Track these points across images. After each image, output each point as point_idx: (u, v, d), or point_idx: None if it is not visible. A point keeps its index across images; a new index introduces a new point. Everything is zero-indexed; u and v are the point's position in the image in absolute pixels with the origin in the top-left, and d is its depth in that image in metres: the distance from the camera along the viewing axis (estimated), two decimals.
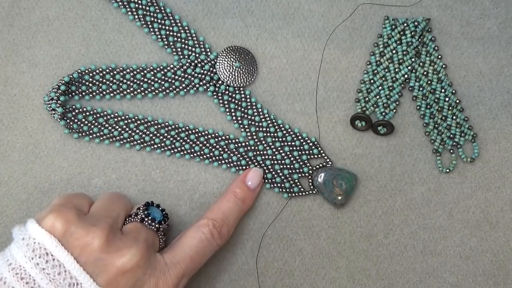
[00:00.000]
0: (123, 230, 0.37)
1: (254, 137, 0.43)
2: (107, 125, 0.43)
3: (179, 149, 0.43)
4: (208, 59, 0.43)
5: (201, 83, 0.43)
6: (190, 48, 0.43)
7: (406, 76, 0.43)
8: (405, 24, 0.43)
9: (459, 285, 0.44)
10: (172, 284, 0.36)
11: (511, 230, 0.44)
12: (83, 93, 0.43)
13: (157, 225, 0.38)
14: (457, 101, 0.44)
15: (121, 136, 0.43)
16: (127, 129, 0.43)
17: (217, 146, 0.43)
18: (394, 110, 0.44)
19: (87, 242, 0.34)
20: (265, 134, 0.43)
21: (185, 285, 0.38)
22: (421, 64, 0.44)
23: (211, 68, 0.43)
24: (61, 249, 0.33)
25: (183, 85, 0.43)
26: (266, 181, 0.43)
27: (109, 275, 0.34)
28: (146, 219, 0.38)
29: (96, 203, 0.38)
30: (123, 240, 0.35)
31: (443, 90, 0.44)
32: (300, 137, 0.43)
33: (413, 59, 0.43)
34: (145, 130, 0.43)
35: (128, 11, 0.43)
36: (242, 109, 0.43)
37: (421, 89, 0.44)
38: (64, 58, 0.43)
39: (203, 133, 0.43)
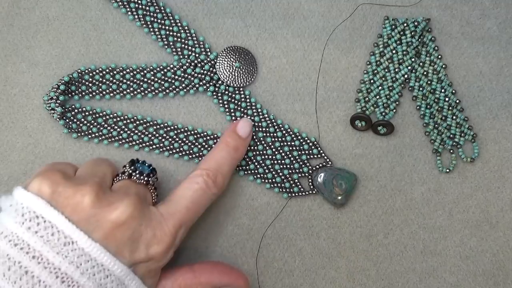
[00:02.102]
0: (113, 189, 0.36)
1: (254, 137, 0.43)
2: (106, 125, 0.43)
3: (177, 150, 0.43)
4: (208, 59, 0.43)
5: (201, 83, 0.43)
6: (190, 48, 0.43)
7: (406, 76, 0.43)
8: (405, 24, 0.43)
9: (459, 285, 0.44)
10: (169, 234, 0.36)
11: (511, 230, 0.44)
12: (83, 93, 0.43)
13: (146, 178, 0.37)
14: (457, 101, 0.44)
15: (120, 136, 0.43)
16: (126, 129, 0.43)
17: None
18: (394, 110, 0.44)
19: (77, 200, 0.33)
20: (264, 134, 0.43)
21: (184, 236, 0.37)
22: (421, 64, 0.44)
23: (211, 68, 0.43)
24: (51, 209, 0.33)
25: (183, 85, 0.43)
26: (266, 181, 0.43)
27: (104, 229, 0.33)
28: (133, 174, 0.37)
29: (80, 168, 0.38)
30: (113, 195, 0.35)
31: (443, 90, 0.44)
32: (299, 137, 0.43)
33: (413, 59, 0.43)
34: (144, 131, 0.43)
35: (128, 11, 0.43)
36: (242, 109, 0.43)
37: (421, 89, 0.44)
38: (64, 58, 0.43)
39: (201, 134, 0.43)
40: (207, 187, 0.38)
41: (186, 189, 0.38)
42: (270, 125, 0.43)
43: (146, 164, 0.39)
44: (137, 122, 0.43)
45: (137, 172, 0.38)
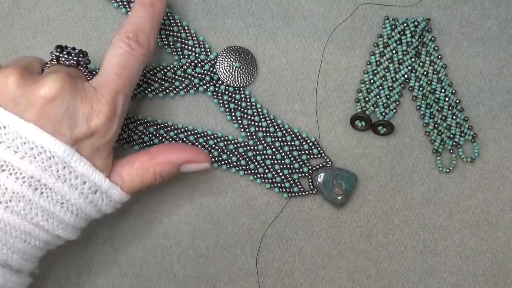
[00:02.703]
0: (42, 75, 0.34)
1: (254, 137, 0.43)
2: None
3: None
4: (208, 59, 0.43)
5: (201, 83, 0.43)
6: (190, 48, 0.43)
7: (406, 76, 0.43)
8: (405, 24, 0.43)
9: (459, 285, 0.44)
10: (107, 103, 0.34)
11: (511, 230, 0.44)
12: None
13: (75, 58, 0.36)
14: (457, 101, 0.44)
15: (120, 136, 0.43)
16: (126, 129, 0.43)
17: (216, 147, 0.43)
18: (394, 110, 0.44)
19: (0, 83, 0.32)
20: (264, 134, 0.43)
21: (126, 104, 0.36)
22: (421, 64, 0.44)
23: (211, 68, 0.43)
24: None
25: (183, 85, 0.43)
26: (266, 181, 0.43)
27: (36, 107, 0.32)
28: (61, 56, 0.36)
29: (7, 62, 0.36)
30: (41, 76, 0.33)
31: (443, 90, 0.44)
32: (299, 137, 0.43)
33: (413, 59, 0.43)
34: (144, 131, 0.43)
35: (128, 11, 0.43)
36: (242, 109, 0.43)
37: (421, 89, 0.44)
38: None
39: (201, 134, 0.43)
40: (131, 49, 0.36)
41: (111, 56, 0.36)
42: (270, 125, 0.43)
43: (76, 49, 0.37)
44: (137, 122, 0.43)
45: (65, 53, 0.36)
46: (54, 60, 0.36)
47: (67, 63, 0.36)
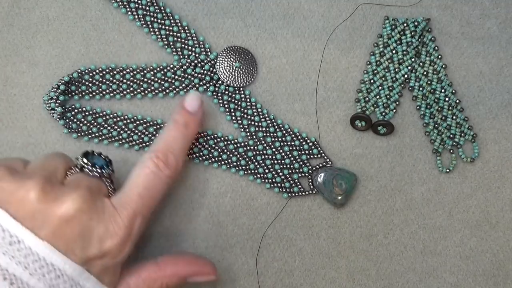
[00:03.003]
0: (64, 184, 0.34)
1: (254, 137, 0.43)
2: (106, 125, 0.43)
3: None
4: (208, 59, 0.43)
5: (201, 83, 0.43)
6: (190, 48, 0.43)
7: (406, 76, 0.43)
8: (405, 24, 0.43)
9: (459, 285, 0.44)
10: (124, 226, 0.34)
11: (511, 230, 0.44)
12: (83, 93, 0.43)
13: (98, 171, 0.35)
14: (457, 101, 0.44)
15: (120, 136, 0.43)
16: (126, 129, 0.43)
17: (216, 147, 0.43)
18: (394, 110, 0.44)
19: (21, 196, 0.31)
20: (264, 134, 0.43)
21: (144, 226, 0.36)
22: (421, 64, 0.44)
23: (211, 68, 0.43)
24: None
25: (183, 85, 0.43)
26: (266, 181, 0.43)
27: (52, 226, 0.31)
28: (86, 166, 0.35)
29: (31, 163, 0.35)
30: (62, 189, 0.33)
31: (443, 90, 0.44)
32: (299, 137, 0.43)
33: (413, 59, 0.43)
34: (144, 131, 0.43)
35: (128, 11, 0.43)
36: (242, 109, 0.43)
37: (421, 89, 0.44)
38: (64, 58, 0.43)
39: (201, 134, 0.43)
40: (158, 170, 0.36)
41: (137, 175, 0.36)
42: (270, 125, 0.43)
43: (102, 156, 0.37)
44: (137, 122, 0.43)
45: (89, 164, 0.35)
46: (78, 169, 0.35)
47: (90, 174, 0.36)
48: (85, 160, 0.36)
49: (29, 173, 0.33)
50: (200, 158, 0.43)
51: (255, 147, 0.43)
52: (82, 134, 0.42)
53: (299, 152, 0.43)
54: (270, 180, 0.43)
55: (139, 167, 0.36)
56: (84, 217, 0.32)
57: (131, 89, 0.43)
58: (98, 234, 0.33)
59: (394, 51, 0.43)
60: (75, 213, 0.32)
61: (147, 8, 0.43)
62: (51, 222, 0.31)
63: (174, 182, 0.38)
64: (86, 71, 0.43)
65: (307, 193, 0.43)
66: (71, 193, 0.32)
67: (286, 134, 0.43)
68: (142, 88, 0.43)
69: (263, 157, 0.43)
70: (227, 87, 0.43)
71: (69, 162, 0.36)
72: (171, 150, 0.37)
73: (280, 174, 0.43)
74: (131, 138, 0.43)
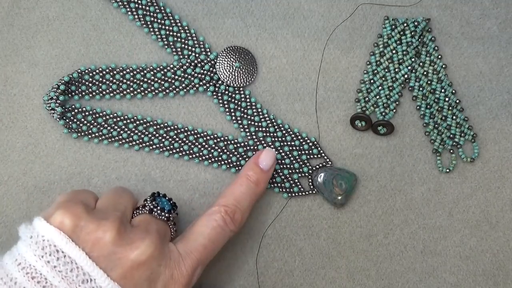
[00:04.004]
0: (133, 223, 0.36)
1: (254, 137, 0.43)
2: (106, 125, 0.43)
3: (177, 150, 0.43)
4: (208, 59, 0.43)
5: (201, 83, 0.43)
6: (190, 48, 0.43)
7: (406, 76, 0.43)
8: (405, 24, 0.43)
9: (459, 285, 0.44)
10: (187, 274, 0.35)
11: (511, 230, 0.44)
12: (83, 93, 0.43)
13: (166, 215, 0.37)
14: (457, 101, 0.44)
15: (120, 136, 0.43)
16: (126, 129, 0.43)
17: (216, 147, 0.43)
18: (394, 110, 0.44)
19: (98, 236, 0.33)
20: (264, 134, 0.43)
21: (200, 274, 0.37)
22: (421, 64, 0.44)
23: (211, 68, 0.43)
24: (72, 245, 0.32)
25: (183, 85, 0.43)
26: None
27: (124, 268, 0.33)
28: (155, 210, 0.37)
29: (101, 198, 0.37)
30: (134, 232, 0.34)
31: (443, 90, 0.44)
32: (299, 137, 0.43)
33: (413, 59, 0.43)
34: (144, 131, 0.43)
35: (128, 11, 0.43)
36: (242, 109, 0.43)
37: (421, 89, 0.44)
38: (64, 58, 0.43)
39: (201, 134, 0.43)
40: (225, 225, 0.38)
41: (204, 226, 0.37)
42: (270, 125, 0.43)
43: (167, 198, 0.38)
44: (137, 122, 0.43)
45: (159, 208, 0.37)
46: (147, 211, 0.37)
47: (158, 217, 0.37)
48: (155, 204, 0.37)
49: (104, 212, 0.35)
50: (200, 158, 0.43)
51: (255, 147, 0.43)
52: (82, 134, 0.43)
53: (299, 152, 0.43)
54: (270, 180, 0.43)
55: (207, 219, 0.38)
56: (154, 263, 0.34)
57: (131, 89, 0.43)
58: (164, 279, 0.35)
59: (394, 51, 0.43)
60: (146, 259, 0.34)
61: (147, 8, 0.43)
62: (124, 265, 0.33)
63: (234, 235, 0.39)
64: (86, 71, 0.43)
65: (307, 193, 0.43)
66: (144, 239, 0.34)
67: (286, 134, 0.43)
68: (142, 88, 0.43)
69: None
70: (227, 87, 0.43)
71: (134, 200, 0.38)
72: (240, 206, 0.39)
73: (280, 174, 0.43)
74: (131, 138, 0.43)
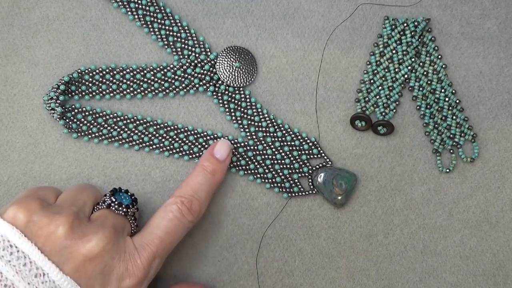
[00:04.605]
0: (91, 218, 0.36)
1: (254, 137, 0.43)
2: (106, 125, 0.43)
3: (177, 150, 0.43)
4: (208, 59, 0.43)
5: (201, 83, 0.43)
6: (190, 48, 0.43)
7: (406, 76, 0.43)
8: (405, 24, 0.43)
9: (459, 285, 0.44)
10: (142, 267, 0.35)
11: (511, 230, 0.44)
12: (83, 93, 0.43)
13: (124, 209, 0.37)
14: (457, 101, 0.44)
15: (120, 136, 0.43)
16: (126, 129, 0.43)
17: None
18: (394, 110, 0.44)
19: (51, 231, 0.33)
20: (264, 134, 0.43)
21: (159, 267, 0.37)
22: (421, 64, 0.44)
23: (211, 68, 0.43)
24: (24, 240, 0.32)
25: (183, 85, 0.43)
26: (266, 181, 0.43)
27: (76, 262, 0.33)
28: (112, 204, 0.37)
29: (62, 194, 0.37)
30: (88, 226, 0.34)
31: (443, 90, 0.44)
32: (299, 137, 0.43)
33: (413, 59, 0.43)
34: (144, 131, 0.43)
35: (128, 11, 0.43)
36: (242, 109, 0.43)
37: (421, 89, 0.44)
38: (64, 58, 0.43)
39: (201, 134, 0.43)
40: (182, 216, 0.38)
41: (160, 218, 0.38)
42: (270, 125, 0.43)
43: (128, 194, 0.38)
44: (137, 122, 0.43)
45: (116, 202, 0.37)
46: (105, 206, 0.37)
47: (116, 212, 0.37)
48: (113, 199, 0.37)
49: (59, 207, 0.35)
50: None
51: (255, 147, 0.43)
52: (82, 134, 0.43)
53: (299, 152, 0.43)
54: (270, 180, 0.43)
55: (163, 210, 0.38)
56: (107, 256, 0.34)
57: (131, 89, 0.43)
58: (118, 272, 0.34)
59: (394, 51, 0.43)
60: (99, 252, 0.34)
61: (147, 8, 0.43)
62: (76, 259, 0.33)
63: (193, 226, 0.39)
64: (86, 71, 0.43)
65: (307, 193, 0.43)
66: (97, 232, 0.34)
67: (286, 134, 0.43)
68: (142, 88, 0.43)
69: (263, 157, 0.43)
70: (227, 87, 0.43)
71: (97, 195, 0.38)
72: (197, 196, 0.39)
73: (280, 174, 0.43)
74: (131, 138, 0.43)
